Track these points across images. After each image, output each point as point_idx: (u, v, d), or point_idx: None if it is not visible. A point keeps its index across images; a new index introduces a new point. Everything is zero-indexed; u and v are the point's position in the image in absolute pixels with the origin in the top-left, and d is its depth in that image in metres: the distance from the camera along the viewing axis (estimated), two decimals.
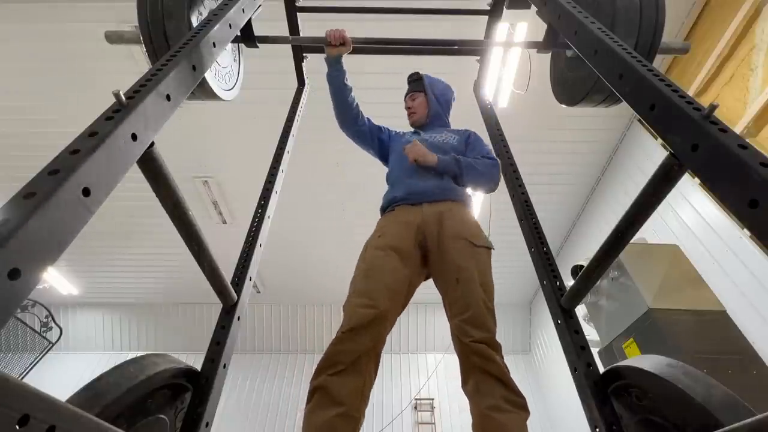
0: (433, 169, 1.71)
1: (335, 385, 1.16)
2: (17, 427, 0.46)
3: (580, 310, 3.06)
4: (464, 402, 1.33)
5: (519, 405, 1.21)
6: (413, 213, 1.63)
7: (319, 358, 1.24)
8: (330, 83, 1.91)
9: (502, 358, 1.32)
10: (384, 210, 1.77)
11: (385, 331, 1.32)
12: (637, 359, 1.06)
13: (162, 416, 0.98)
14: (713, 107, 0.73)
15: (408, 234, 1.55)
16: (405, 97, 2.14)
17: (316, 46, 2.12)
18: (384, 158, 2.01)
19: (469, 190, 1.78)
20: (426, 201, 1.64)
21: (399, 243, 1.51)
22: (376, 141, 2.00)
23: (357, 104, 1.96)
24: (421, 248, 1.56)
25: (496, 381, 1.25)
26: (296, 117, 2.17)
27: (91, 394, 0.78)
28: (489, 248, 1.56)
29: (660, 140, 3.98)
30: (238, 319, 1.33)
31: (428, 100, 2.07)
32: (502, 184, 1.85)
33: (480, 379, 1.27)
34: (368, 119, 2.00)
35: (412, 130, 2.09)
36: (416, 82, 2.13)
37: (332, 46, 1.79)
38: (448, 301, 1.45)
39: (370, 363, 1.26)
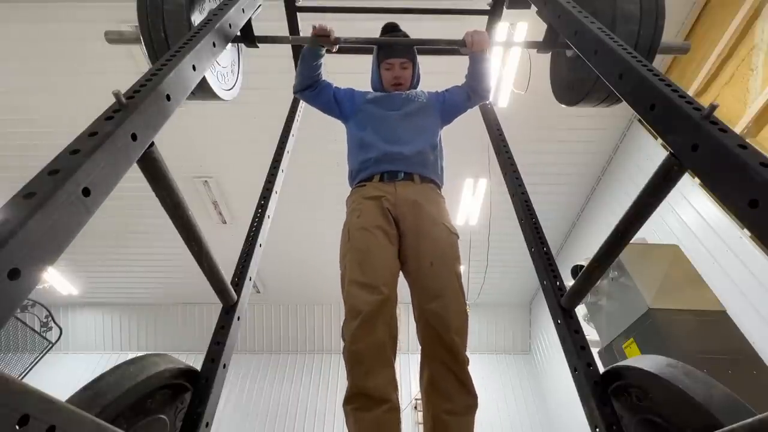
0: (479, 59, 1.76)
1: (370, 383, 1.18)
2: (17, 427, 0.46)
3: (580, 310, 3.06)
4: None
5: (474, 406, 1.24)
6: (386, 190, 1.55)
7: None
8: (309, 56, 1.75)
9: (465, 350, 1.30)
10: (353, 179, 1.68)
11: (395, 311, 1.31)
12: (637, 359, 1.06)
13: (162, 416, 0.98)
14: (713, 107, 0.73)
15: (384, 212, 1.50)
16: (388, 58, 1.86)
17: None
18: (346, 117, 1.84)
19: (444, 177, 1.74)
20: (399, 179, 1.58)
21: (380, 221, 1.46)
22: (335, 102, 1.83)
23: (323, 88, 1.83)
24: (396, 226, 1.50)
25: (459, 383, 1.25)
26: (296, 117, 2.17)
27: (91, 394, 0.78)
28: (458, 237, 1.54)
29: (660, 140, 3.98)
30: (238, 319, 1.33)
31: (414, 74, 1.92)
32: (503, 184, 1.85)
33: (441, 377, 1.25)
34: (326, 82, 1.84)
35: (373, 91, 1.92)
36: (408, 47, 1.90)
37: (320, 37, 1.66)
38: (419, 286, 1.39)
39: (392, 350, 1.27)
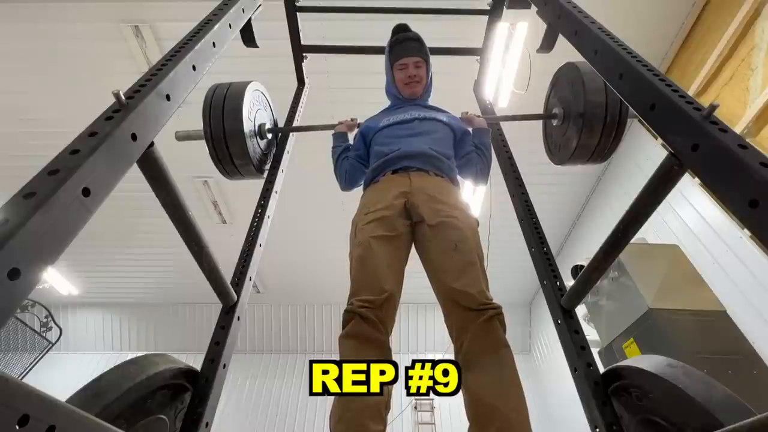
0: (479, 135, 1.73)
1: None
2: (17, 427, 0.46)
3: (580, 310, 3.05)
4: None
5: (519, 381, 1.16)
6: (400, 181, 1.52)
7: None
8: (341, 157, 1.84)
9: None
10: (366, 182, 1.66)
11: (395, 307, 1.29)
12: (637, 359, 1.06)
13: (162, 416, 0.98)
14: (713, 107, 0.73)
15: (395, 203, 1.45)
16: (401, 59, 1.81)
17: (316, 45, 2.12)
18: (370, 146, 1.81)
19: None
20: (415, 168, 1.55)
21: (387, 220, 1.42)
22: (366, 149, 1.83)
23: (357, 166, 1.80)
24: (408, 218, 1.46)
25: (497, 359, 1.17)
26: (296, 117, 2.18)
27: (90, 394, 0.78)
28: (478, 223, 1.52)
29: (660, 140, 3.97)
30: (238, 319, 1.33)
31: (428, 71, 1.86)
32: (503, 184, 1.85)
33: (479, 349, 1.17)
34: (356, 156, 1.82)
35: (389, 105, 1.90)
36: (420, 44, 1.84)
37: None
38: (441, 269, 1.33)
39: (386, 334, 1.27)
